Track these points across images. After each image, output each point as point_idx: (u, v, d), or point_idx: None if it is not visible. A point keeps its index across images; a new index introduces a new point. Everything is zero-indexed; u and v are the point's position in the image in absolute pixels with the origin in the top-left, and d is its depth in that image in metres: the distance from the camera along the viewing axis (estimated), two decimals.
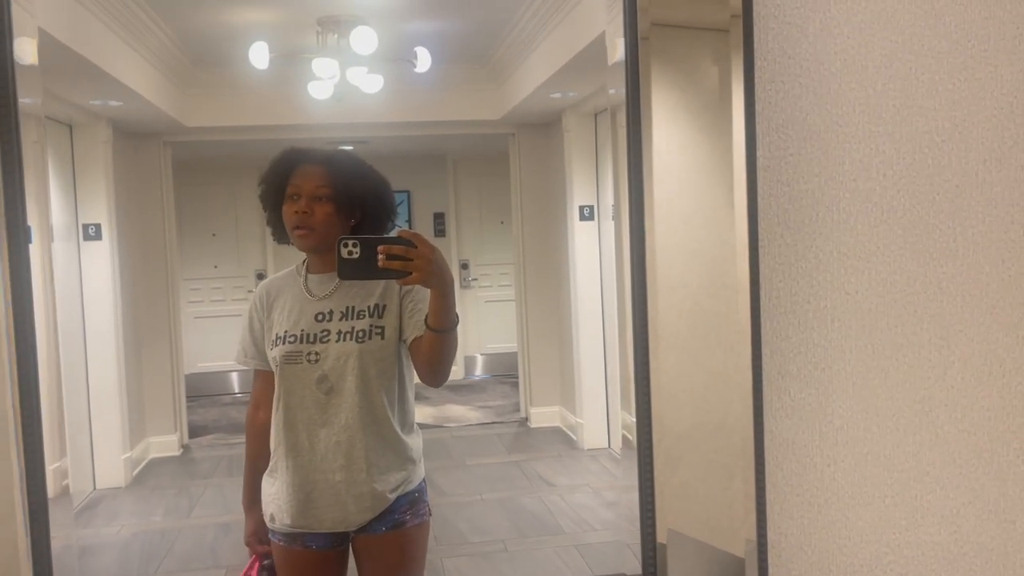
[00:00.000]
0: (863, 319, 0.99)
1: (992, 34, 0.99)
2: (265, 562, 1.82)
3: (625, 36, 0.92)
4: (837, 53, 0.97)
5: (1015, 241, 1.01)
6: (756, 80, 0.94)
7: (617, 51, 0.95)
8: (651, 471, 0.96)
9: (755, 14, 0.94)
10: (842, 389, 1.00)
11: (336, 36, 3.86)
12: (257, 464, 1.82)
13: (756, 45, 0.94)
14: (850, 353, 0.99)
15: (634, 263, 0.94)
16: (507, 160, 5.63)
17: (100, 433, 4.49)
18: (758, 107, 0.95)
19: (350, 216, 1.71)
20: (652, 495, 0.96)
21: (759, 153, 0.95)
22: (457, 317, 1.54)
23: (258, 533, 1.82)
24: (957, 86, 0.99)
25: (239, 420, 6.06)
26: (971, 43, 0.99)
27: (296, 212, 1.67)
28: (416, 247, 1.40)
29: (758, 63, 0.95)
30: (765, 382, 0.97)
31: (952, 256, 1.00)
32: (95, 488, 4.50)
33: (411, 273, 1.40)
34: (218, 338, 6.37)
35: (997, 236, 1.01)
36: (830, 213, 0.98)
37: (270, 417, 1.78)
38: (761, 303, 0.95)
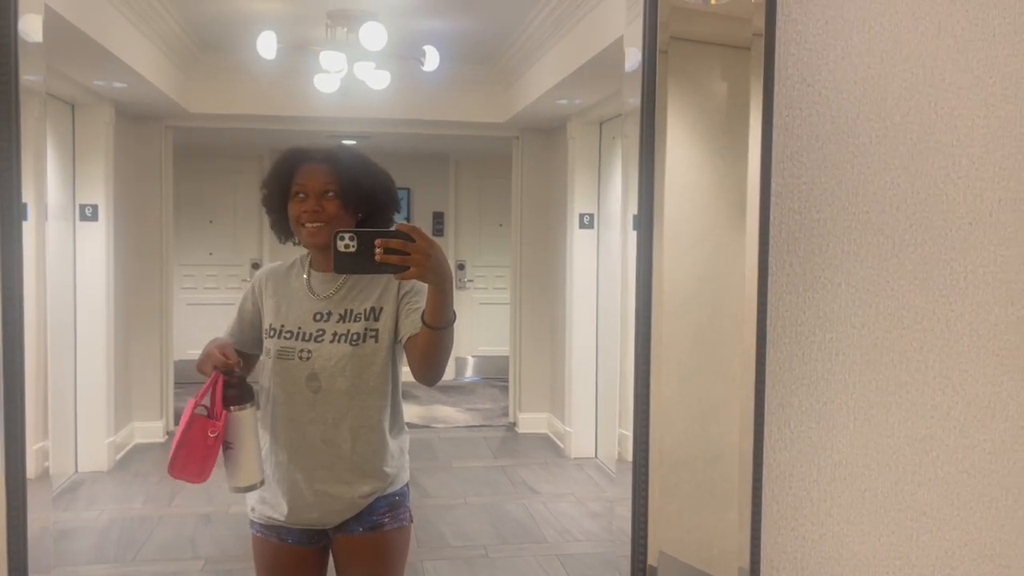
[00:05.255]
0: (868, 354, 0.98)
1: (1016, 72, 0.98)
2: (230, 377, 1.58)
3: (643, 49, 0.90)
4: (857, 82, 0.96)
5: None
6: (774, 105, 0.92)
7: (633, 58, 0.93)
8: (646, 493, 0.94)
9: (776, 36, 0.92)
10: (843, 424, 0.98)
11: (345, 30, 3.84)
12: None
13: (775, 69, 0.92)
14: (853, 388, 0.98)
15: (639, 285, 0.92)
16: (509, 163, 5.61)
17: (85, 415, 4.45)
18: (774, 133, 0.93)
19: (356, 211, 1.70)
20: (645, 517, 0.94)
21: (772, 179, 0.93)
22: (454, 314, 1.52)
23: (223, 347, 1.62)
24: (977, 123, 0.98)
25: None
26: (994, 80, 0.98)
27: (305, 211, 1.67)
28: (414, 241, 1.36)
29: (776, 88, 0.93)
30: (766, 414, 0.95)
31: (962, 294, 0.99)
32: (77, 471, 4.46)
33: (408, 267, 1.37)
34: (210, 325, 6.30)
35: (1008, 277, 1.00)
36: (841, 244, 0.97)
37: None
38: (766, 333, 0.93)
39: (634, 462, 0.94)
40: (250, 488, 1.62)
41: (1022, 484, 1.02)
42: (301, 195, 1.67)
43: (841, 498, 0.99)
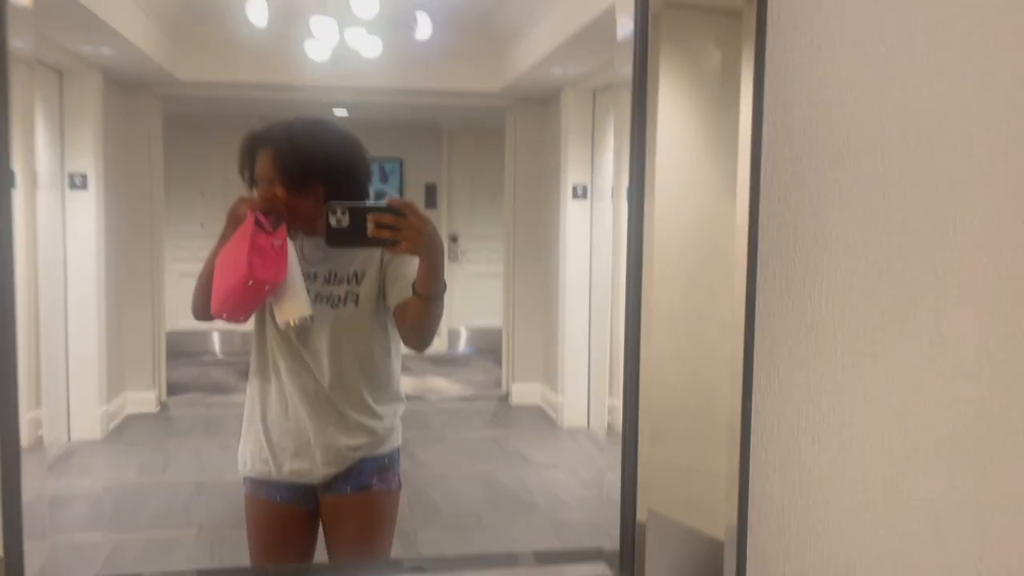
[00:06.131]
0: (857, 304, 0.98)
1: (1011, 20, 0.97)
2: (268, 211, 1.63)
3: (635, 14, 0.90)
4: (849, 29, 0.95)
5: (1015, 234, 1.00)
6: (767, 53, 0.92)
7: (625, 26, 0.93)
8: (635, 447, 0.95)
9: None
10: (831, 373, 0.99)
11: None
12: None
13: (768, 10, 0.92)
14: (842, 336, 0.98)
15: (631, 233, 0.92)
16: (502, 134, 5.58)
17: (77, 385, 4.45)
18: (766, 81, 0.93)
19: (313, 189, 1.68)
20: (635, 472, 0.95)
21: (764, 129, 0.93)
22: (445, 284, 1.54)
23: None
24: (969, 72, 0.97)
25: (219, 380, 6.03)
26: (987, 28, 0.97)
27: (261, 199, 1.68)
28: (406, 216, 1.39)
29: (769, 33, 0.92)
30: (755, 361, 0.96)
31: (951, 245, 0.99)
32: (70, 440, 4.47)
33: (400, 242, 1.39)
34: None
35: (997, 228, 1.00)
36: (831, 194, 0.97)
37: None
38: (757, 281, 0.94)
39: (624, 411, 0.95)
40: (301, 320, 1.61)
41: (1006, 432, 1.03)
42: (258, 182, 1.71)
43: (828, 445, 1.00)
